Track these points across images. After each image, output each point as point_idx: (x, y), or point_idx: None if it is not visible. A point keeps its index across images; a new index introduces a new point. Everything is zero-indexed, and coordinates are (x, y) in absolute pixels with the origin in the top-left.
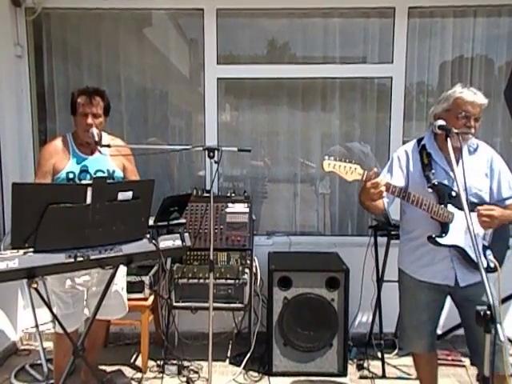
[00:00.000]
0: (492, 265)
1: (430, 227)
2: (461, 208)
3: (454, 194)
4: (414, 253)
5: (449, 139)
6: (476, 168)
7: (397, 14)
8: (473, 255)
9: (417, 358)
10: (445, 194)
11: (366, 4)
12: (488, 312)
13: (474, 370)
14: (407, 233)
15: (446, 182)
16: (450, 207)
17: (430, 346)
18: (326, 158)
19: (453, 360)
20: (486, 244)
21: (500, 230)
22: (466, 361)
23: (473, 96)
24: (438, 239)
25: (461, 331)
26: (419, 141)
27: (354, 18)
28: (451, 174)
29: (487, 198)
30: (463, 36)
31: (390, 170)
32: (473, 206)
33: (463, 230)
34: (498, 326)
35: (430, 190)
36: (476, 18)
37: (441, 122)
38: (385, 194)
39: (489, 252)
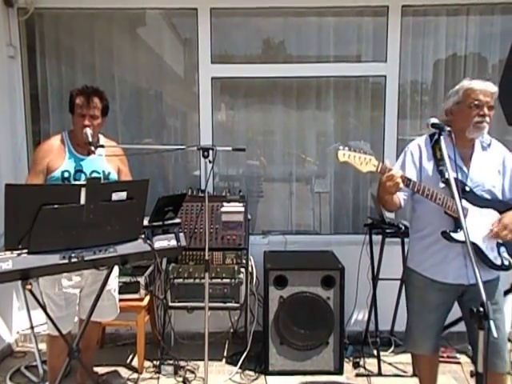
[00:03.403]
0: (506, 262)
1: (443, 223)
2: (475, 203)
3: (467, 189)
4: (426, 251)
5: (442, 138)
6: (489, 164)
7: (390, 13)
8: (487, 252)
9: (418, 357)
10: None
11: (360, 3)
12: (481, 309)
13: (468, 367)
14: (418, 231)
15: (459, 177)
16: (464, 202)
17: (435, 347)
18: (341, 148)
19: (448, 357)
20: (500, 241)
21: None
22: (461, 357)
23: (483, 84)
24: (453, 234)
25: (456, 328)
26: (431, 135)
27: (348, 17)
28: (464, 169)
29: (500, 195)
30: (456, 34)
31: (403, 165)
32: (486, 203)
33: (477, 225)
34: (492, 322)
35: (443, 185)
36: (469, 16)
37: (434, 120)
38: (401, 185)
39: (503, 249)
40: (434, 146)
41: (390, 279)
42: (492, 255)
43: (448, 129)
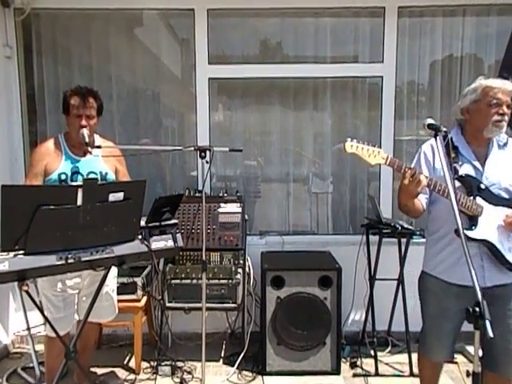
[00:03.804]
0: None
1: None
2: (490, 202)
3: (482, 186)
4: (441, 253)
5: (438, 138)
6: (506, 163)
7: (387, 14)
8: (504, 251)
9: (424, 358)
10: (473, 187)
11: (357, 4)
12: (477, 309)
13: (465, 367)
14: (433, 233)
15: (474, 175)
16: (479, 200)
17: (450, 355)
18: (349, 139)
19: None
20: None
21: None
22: (458, 357)
23: (500, 82)
24: (467, 232)
25: None
26: (444, 136)
27: (344, 18)
28: (479, 166)
29: None
30: (453, 35)
31: (419, 166)
32: (503, 201)
33: (493, 224)
34: (487, 322)
35: (458, 184)
36: (465, 17)
37: (430, 121)
38: (425, 182)
39: None
40: (447, 145)
41: (386, 279)
42: (510, 257)
43: (444, 129)
